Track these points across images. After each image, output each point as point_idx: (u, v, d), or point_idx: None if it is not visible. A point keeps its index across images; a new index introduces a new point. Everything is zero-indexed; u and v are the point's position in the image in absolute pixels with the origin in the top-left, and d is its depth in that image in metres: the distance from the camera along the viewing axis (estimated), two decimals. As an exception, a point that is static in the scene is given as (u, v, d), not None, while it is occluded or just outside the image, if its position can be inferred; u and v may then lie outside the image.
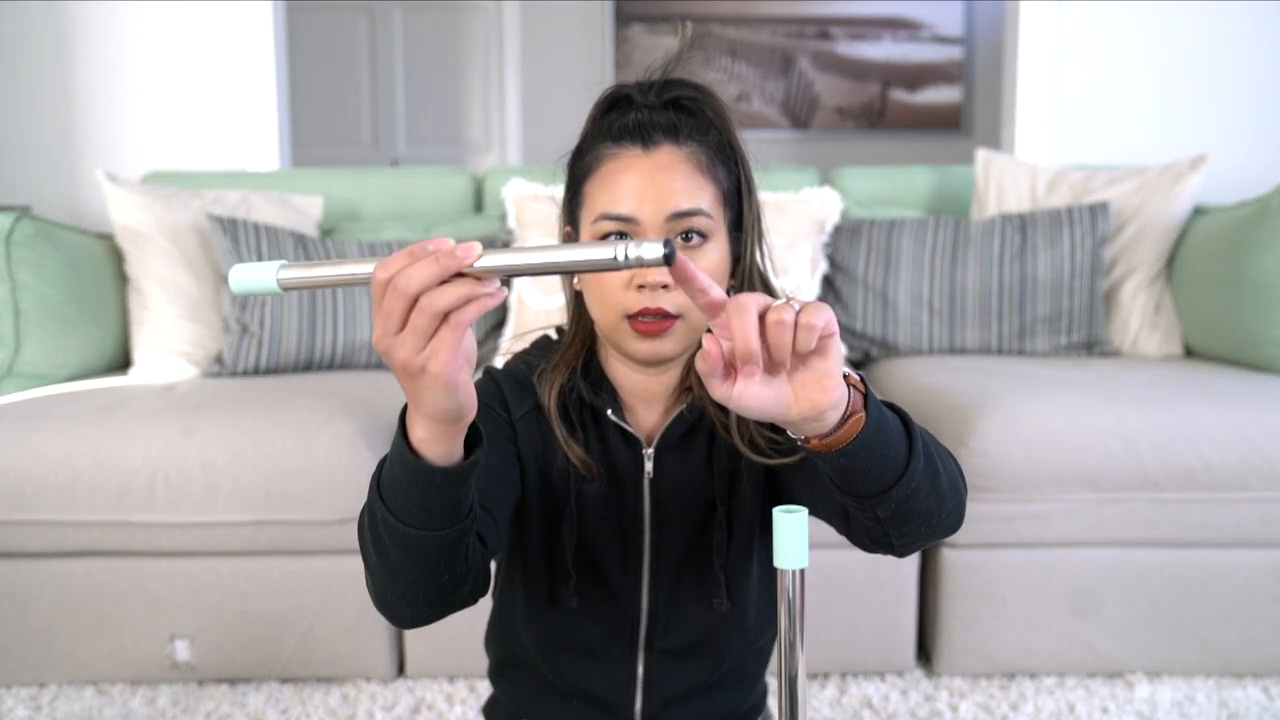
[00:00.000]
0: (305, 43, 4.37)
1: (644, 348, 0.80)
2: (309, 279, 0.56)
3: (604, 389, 0.86)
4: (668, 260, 0.51)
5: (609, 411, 0.84)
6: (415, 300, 0.52)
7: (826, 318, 0.53)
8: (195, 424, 1.50)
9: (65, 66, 2.54)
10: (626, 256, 0.51)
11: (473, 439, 0.63)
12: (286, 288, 0.56)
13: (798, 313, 0.53)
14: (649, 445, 0.85)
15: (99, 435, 1.48)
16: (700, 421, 0.86)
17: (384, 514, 0.62)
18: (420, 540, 0.62)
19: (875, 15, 4.58)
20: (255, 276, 0.56)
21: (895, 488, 0.62)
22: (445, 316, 0.52)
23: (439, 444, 0.59)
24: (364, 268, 0.55)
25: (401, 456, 0.60)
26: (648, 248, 0.51)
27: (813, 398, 0.56)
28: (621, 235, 0.78)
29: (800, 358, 0.55)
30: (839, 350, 0.56)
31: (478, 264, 0.53)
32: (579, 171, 0.83)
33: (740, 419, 0.83)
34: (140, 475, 1.46)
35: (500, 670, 0.97)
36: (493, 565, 0.95)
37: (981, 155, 2.25)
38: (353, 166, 2.55)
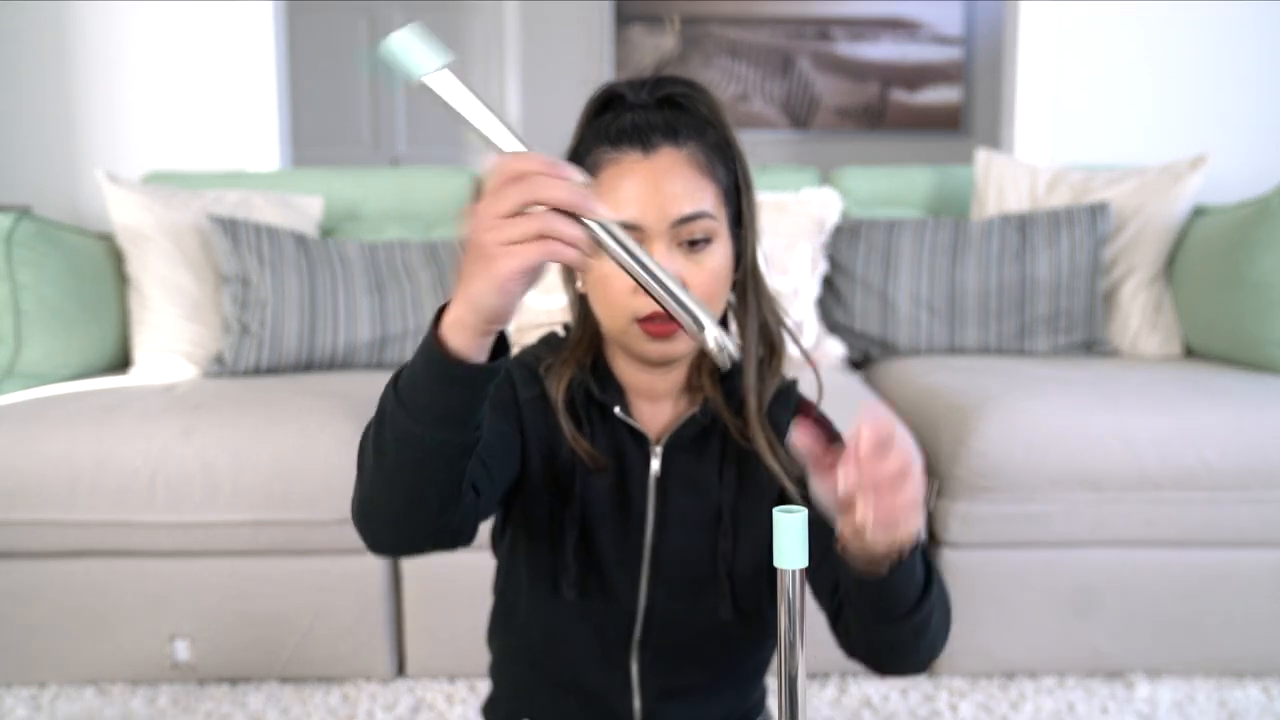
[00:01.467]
0: (305, 43, 4.37)
1: (655, 349, 0.80)
2: (449, 102, 0.54)
3: (611, 386, 0.86)
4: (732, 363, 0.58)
5: (616, 408, 0.85)
6: (531, 204, 0.53)
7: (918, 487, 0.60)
8: (195, 424, 1.50)
9: (65, 66, 2.54)
10: (716, 342, 0.57)
11: (496, 354, 0.63)
12: (427, 88, 0.54)
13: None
14: (657, 443, 0.86)
15: (99, 435, 1.48)
16: (714, 425, 0.86)
17: (394, 407, 0.62)
18: (424, 442, 0.62)
19: (875, 15, 4.58)
20: (412, 58, 0.53)
21: (912, 614, 0.69)
22: (544, 238, 0.53)
23: (467, 333, 0.58)
24: (508, 139, 0.55)
25: (427, 347, 0.60)
26: (733, 347, 0.57)
27: (893, 532, 0.62)
28: None
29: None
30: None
31: (593, 223, 0.54)
32: None
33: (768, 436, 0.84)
34: (140, 475, 1.46)
35: (500, 665, 0.97)
36: (494, 559, 0.95)
37: (981, 155, 2.25)
38: (353, 166, 2.55)
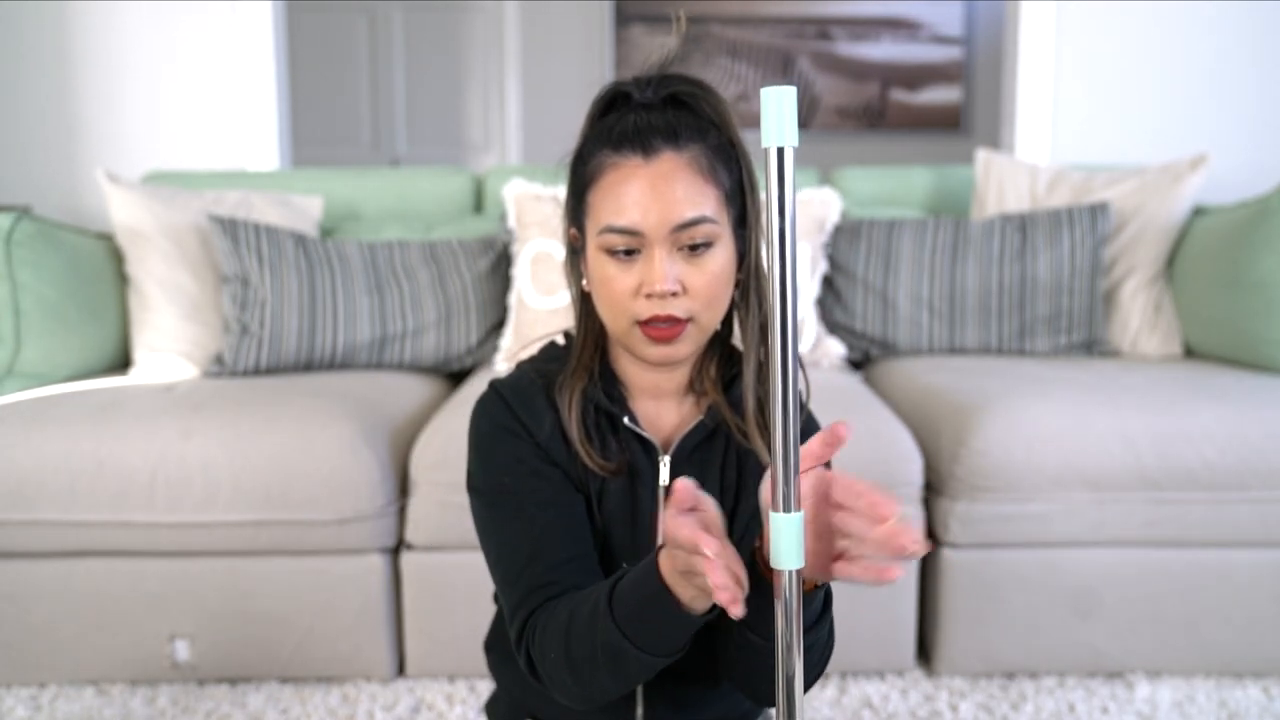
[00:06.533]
0: (305, 43, 4.37)
1: (656, 352, 0.80)
2: (773, 171, 0.52)
3: (616, 387, 0.86)
4: None
5: (626, 420, 0.85)
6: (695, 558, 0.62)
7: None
8: (195, 424, 1.50)
9: (65, 66, 2.54)
10: None
11: None
12: (765, 151, 0.51)
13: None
14: (665, 452, 0.86)
15: (99, 435, 1.48)
16: (718, 428, 0.86)
17: (619, 640, 0.70)
18: (649, 663, 0.71)
19: (875, 15, 4.58)
20: (784, 120, 0.51)
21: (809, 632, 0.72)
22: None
23: (689, 591, 0.67)
24: (790, 242, 0.54)
25: (659, 601, 0.68)
26: None
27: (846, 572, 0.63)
28: (629, 252, 0.79)
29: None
30: None
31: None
32: (582, 178, 0.83)
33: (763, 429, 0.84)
34: (140, 475, 1.46)
35: (502, 666, 0.97)
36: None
37: (981, 155, 2.25)
38: (353, 166, 2.55)
